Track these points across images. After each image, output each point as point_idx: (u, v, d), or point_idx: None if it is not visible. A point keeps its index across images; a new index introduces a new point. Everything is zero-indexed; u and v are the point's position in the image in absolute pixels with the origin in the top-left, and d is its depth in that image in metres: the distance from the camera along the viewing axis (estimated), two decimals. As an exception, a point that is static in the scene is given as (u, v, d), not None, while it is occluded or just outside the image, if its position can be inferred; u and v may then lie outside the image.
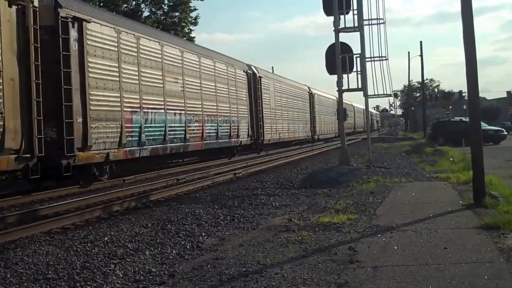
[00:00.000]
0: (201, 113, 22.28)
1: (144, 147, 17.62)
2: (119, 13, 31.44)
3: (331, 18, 18.32)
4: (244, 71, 28.93)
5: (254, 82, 30.11)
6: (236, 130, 26.67)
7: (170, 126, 19.41)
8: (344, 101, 55.26)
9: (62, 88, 13.67)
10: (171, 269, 6.37)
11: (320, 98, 49.97)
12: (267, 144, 32.55)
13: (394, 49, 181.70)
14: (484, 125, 31.79)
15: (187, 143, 20.84)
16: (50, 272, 6.40)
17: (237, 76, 27.63)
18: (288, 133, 37.70)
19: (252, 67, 30.83)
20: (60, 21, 13.77)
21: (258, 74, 31.01)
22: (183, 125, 20.54)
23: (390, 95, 20.19)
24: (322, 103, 50.34)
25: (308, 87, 46.04)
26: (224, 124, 25.01)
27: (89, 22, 14.95)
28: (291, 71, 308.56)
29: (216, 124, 23.88)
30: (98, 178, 15.79)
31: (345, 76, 18.67)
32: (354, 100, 68.71)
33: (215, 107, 24.08)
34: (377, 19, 18.48)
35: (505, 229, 7.26)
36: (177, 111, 20.11)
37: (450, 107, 64.27)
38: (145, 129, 17.58)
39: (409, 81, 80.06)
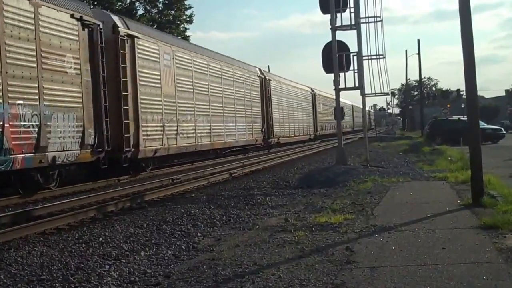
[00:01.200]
0: None
1: None
2: (113, 11, 31.02)
3: (328, 16, 18.34)
4: (72, 16, 14.26)
5: (111, 43, 16.28)
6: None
7: None
8: (325, 94, 51.15)
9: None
10: (166, 270, 6.33)
11: (283, 88, 37.47)
12: (150, 158, 18.73)
13: (392, 48, 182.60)
14: (483, 124, 31.79)
15: None
16: (44, 273, 6.36)
17: (43, 20, 13.11)
18: (211, 137, 23.39)
19: (104, 15, 17.21)
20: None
21: (122, 29, 16.81)
22: None
23: (387, 94, 20.24)
24: (286, 94, 38.14)
25: (260, 70, 33.36)
26: None
27: None
28: (288, 70, 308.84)
29: None
30: None
31: (342, 74, 18.65)
32: (341, 94, 64.41)
33: None
34: (374, 17, 18.48)
35: (504, 229, 7.22)
36: None
37: (449, 105, 64.31)
38: None
39: (406, 79, 79.69)
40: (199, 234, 8.32)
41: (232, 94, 26.96)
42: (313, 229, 8.05)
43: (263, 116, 31.88)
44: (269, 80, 33.98)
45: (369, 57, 18.54)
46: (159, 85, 19.15)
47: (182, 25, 46.88)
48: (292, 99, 40.16)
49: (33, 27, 12.86)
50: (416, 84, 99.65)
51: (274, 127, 33.89)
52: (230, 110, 26.31)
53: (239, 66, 28.88)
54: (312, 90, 48.22)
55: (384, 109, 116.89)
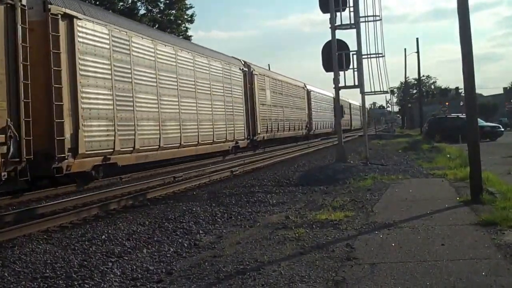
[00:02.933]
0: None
1: None
2: (115, 11, 31.17)
3: (327, 15, 18.38)
4: None
5: None
6: None
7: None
8: (276, 76, 38.53)
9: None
10: (168, 267, 6.38)
11: (141, 49, 17.85)
12: None
13: (391, 46, 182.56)
14: (481, 122, 31.78)
15: None
16: (47, 270, 6.41)
17: None
18: None
19: None
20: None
21: None
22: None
23: (386, 92, 20.30)
24: (149, 62, 18.29)
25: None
26: None
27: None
28: (288, 69, 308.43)
29: None
30: None
31: (341, 73, 18.71)
32: (323, 85, 47.11)
33: None
34: (373, 16, 18.56)
35: (503, 225, 7.27)
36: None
37: (447, 103, 64.30)
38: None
39: (405, 78, 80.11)
40: (200, 232, 8.37)
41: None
42: (314, 226, 8.10)
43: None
44: (71, 19, 14.14)
45: (369, 56, 18.61)
46: None
47: (183, 25, 47.01)
48: (187, 76, 21.21)
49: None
50: (415, 82, 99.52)
51: (84, 131, 14.40)
52: None
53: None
54: (249, 67, 29.50)
55: (383, 107, 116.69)
